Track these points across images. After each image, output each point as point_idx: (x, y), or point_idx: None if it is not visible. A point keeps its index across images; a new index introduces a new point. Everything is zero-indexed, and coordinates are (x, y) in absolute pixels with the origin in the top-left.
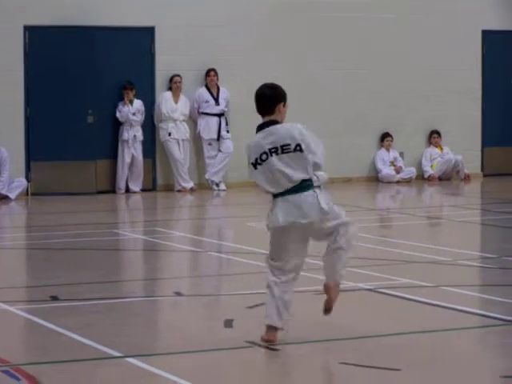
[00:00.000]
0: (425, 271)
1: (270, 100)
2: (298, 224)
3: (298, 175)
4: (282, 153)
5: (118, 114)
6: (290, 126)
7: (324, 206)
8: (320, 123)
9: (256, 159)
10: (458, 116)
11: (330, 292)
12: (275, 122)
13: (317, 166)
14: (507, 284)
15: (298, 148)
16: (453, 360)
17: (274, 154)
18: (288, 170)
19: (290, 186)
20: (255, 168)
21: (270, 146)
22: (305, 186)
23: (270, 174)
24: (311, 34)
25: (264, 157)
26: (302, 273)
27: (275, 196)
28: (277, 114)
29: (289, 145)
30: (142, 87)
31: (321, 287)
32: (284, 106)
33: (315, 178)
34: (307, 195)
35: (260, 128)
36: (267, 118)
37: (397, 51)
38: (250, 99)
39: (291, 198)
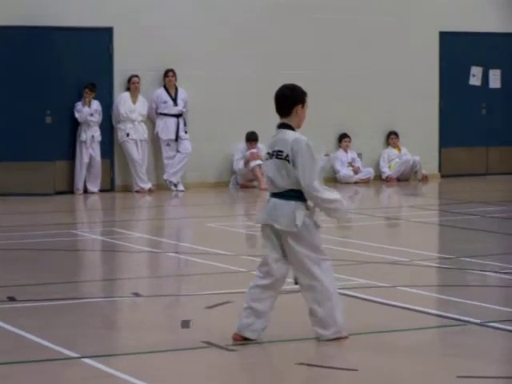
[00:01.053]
0: (382, 272)
1: (287, 102)
2: (273, 228)
3: (284, 184)
4: (276, 157)
5: (76, 115)
6: (292, 136)
7: (298, 221)
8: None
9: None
10: (416, 117)
11: None
12: (288, 126)
13: (300, 184)
14: (464, 284)
15: (287, 158)
16: (410, 360)
17: (273, 157)
18: (275, 176)
19: (275, 190)
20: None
21: (273, 149)
22: (288, 195)
23: (267, 173)
24: (270, 34)
25: (266, 157)
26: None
27: (269, 195)
28: (293, 116)
29: (282, 152)
30: (100, 88)
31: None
32: (303, 107)
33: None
34: (286, 204)
35: (277, 127)
36: (283, 120)
37: (354, 52)
38: (208, 100)
39: (274, 200)
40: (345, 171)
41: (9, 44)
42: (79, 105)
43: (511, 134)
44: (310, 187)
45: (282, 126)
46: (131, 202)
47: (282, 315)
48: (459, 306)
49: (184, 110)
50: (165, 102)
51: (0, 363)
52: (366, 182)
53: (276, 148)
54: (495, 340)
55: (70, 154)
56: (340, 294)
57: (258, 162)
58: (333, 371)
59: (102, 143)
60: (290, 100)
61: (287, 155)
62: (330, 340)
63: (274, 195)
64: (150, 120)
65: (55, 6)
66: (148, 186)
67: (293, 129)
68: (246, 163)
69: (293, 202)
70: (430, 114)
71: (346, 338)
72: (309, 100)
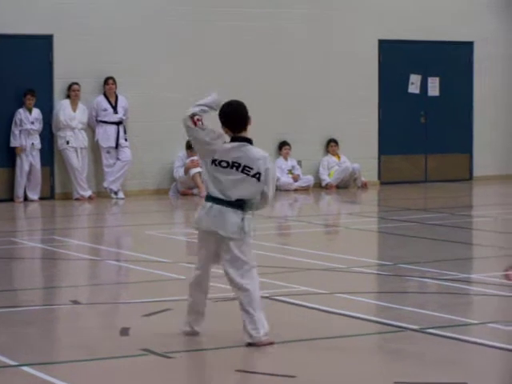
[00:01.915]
0: (321, 278)
1: (243, 119)
2: (217, 235)
3: (235, 195)
4: (242, 172)
5: (13, 126)
6: (260, 153)
7: (246, 228)
8: None
9: (216, 160)
10: (355, 124)
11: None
12: (249, 141)
13: (264, 195)
14: (402, 291)
15: (257, 176)
16: (348, 366)
17: (233, 168)
18: (233, 188)
19: (222, 197)
20: (212, 164)
21: (235, 160)
22: (236, 204)
23: (219, 179)
24: (209, 42)
25: (224, 164)
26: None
27: (208, 199)
28: (247, 130)
29: (251, 169)
30: (40, 95)
31: (219, 295)
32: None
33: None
34: (233, 212)
35: (234, 140)
36: (242, 134)
37: (294, 59)
38: (148, 108)
39: (219, 207)
40: (284, 179)
41: None
42: (20, 112)
43: (450, 141)
44: (271, 198)
45: (242, 139)
46: (71, 210)
47: (217, 323)
48: (397, 312)
49: (124, 117)
50: (105, 110)
51: None
52: (305, 190)
53: (240, 161)
54: (433, 346)
55: (10, 162)
56: (280, 301)
57: (199, 169)
58: (271, 378)
59: (42, 151)
60: (244, 116)
61: (257, 173)
62: (261, 346)
63: (219, 201)
64: (90, 128)
65: None
66: (88, 193)
67: (251, 142)
68: (187, 171)
69: (240, 211)
70: (369, 122)
71: (273, 343)
72: (249, 107)
